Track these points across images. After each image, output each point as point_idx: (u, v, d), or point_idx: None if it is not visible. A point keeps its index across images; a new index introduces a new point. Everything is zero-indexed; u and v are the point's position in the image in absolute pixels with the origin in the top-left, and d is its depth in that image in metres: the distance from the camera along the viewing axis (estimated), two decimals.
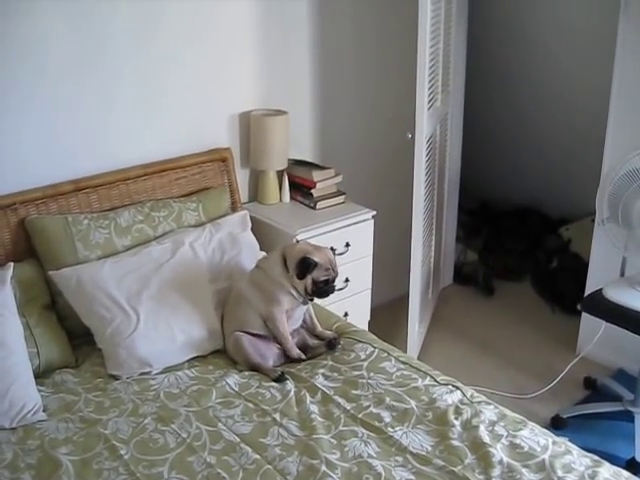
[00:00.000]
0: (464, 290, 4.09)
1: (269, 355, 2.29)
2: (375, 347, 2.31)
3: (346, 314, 3.06)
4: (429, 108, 2.92)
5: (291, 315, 2.34)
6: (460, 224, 4.23)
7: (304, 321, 2.44)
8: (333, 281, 2.32)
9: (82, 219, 2.45)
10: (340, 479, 1.73)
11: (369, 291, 3.19)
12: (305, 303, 2.37)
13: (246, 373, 2.22)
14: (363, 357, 2.25)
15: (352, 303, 3.10)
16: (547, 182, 4.49)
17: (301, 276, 2.24)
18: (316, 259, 2.25)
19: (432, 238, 3.55)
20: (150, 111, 2.76)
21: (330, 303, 2.79)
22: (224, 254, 2.54)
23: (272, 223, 2.91)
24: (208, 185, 2.85)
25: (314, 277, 2.24)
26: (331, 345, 2.33)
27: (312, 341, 2.39)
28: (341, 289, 3.02)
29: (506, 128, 4.65)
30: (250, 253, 2.60)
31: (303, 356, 2.31)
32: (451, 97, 3.68)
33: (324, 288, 2.29)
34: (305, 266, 2.24)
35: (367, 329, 2.91)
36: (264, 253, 2.63)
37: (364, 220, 3.05)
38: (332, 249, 2.48)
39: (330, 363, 2.24)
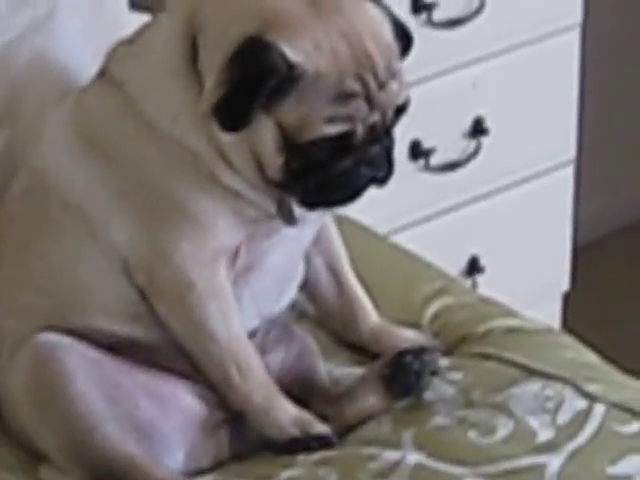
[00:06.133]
0: None
1: (171, 425, 1.44)
2: (592, 398, 1.52)
3: (475, 262, 2.05)
4: None
5: (254, 263, 1.44)
6: None
7: (311, 281, 1.53)
8: (374, 141, 1.38)
9: None
10: None
11: (570, 186, 2.09)
12: (291, 222, 1.54)
13: None
14: (544, 438, 1.48)
15: (498, 219, 2.05)
16: None
17: (234, 122, 1.43)
18: (291, 50, 1.33)
19: None
20: None
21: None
22: None
23: None
24: None
25: (284, 121, 1.47)
26: (401, 369, 1.48)
27: (332, 371, 1.53)
28: (457, 166, 1.98)
29: None
30: (79, 24, 1.80)
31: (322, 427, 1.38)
32: None
33: (338, 171, 1.40)
34: (252, 70, 1.34)
35: (560, 318, 2.17)
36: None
37: None
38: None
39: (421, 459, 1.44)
